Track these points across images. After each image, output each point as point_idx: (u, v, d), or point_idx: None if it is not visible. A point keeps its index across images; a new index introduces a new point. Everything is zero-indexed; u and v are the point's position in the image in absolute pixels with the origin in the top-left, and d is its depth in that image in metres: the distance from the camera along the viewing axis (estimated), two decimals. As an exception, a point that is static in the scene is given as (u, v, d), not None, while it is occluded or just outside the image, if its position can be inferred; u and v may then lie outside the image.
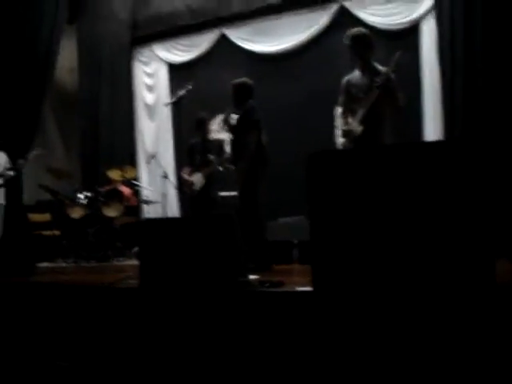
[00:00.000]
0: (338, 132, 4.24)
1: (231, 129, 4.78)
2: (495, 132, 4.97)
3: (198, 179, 5.36)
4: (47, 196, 6.57)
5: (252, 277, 3.05)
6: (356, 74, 4.17)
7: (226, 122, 5.19)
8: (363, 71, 4.09)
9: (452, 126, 5.57)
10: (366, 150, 2.18)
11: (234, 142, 4.69)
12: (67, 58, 7.97)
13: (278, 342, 2.21)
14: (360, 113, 3.98)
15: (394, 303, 1.75)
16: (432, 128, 5.85)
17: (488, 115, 5.12)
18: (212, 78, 7.24)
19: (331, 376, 1.78)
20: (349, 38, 4.10)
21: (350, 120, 4.10)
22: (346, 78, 4.24)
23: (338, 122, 4.25)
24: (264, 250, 4.15)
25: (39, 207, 6.89)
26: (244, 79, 4.81)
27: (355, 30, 4.14)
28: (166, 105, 6.08)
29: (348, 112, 4.15)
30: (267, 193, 6.47)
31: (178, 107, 5.71)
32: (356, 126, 4.01)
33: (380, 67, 4.02)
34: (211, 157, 5.35)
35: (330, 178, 1.93)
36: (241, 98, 4.70)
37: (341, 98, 4.27)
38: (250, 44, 7.17)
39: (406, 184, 1.79)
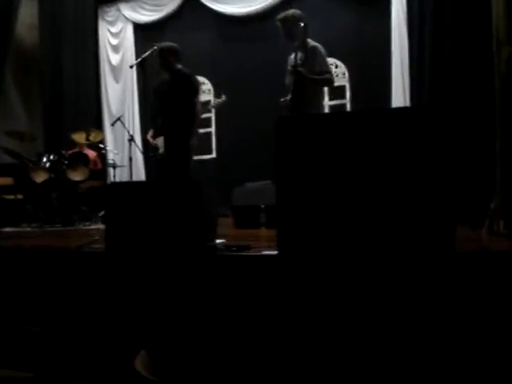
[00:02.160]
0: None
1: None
2: (461, 98, 5.05)
3: (162, 142, 5.31)
4: (8, 159, 6.40)
5: (219, 241, 3.07)
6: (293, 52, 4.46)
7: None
8: (294, 47, 4.38)
9: (419, 94, 5.64)
10: (333, 116, 2.20)
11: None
12: (27, 13, 7.64)
13: (244, 306, 2.25)
14: (290, 86, 4.40)
15: (356, 267, 1.80)
16: (400, 95, 5.91)
17: (455, 83, 5.19)
18: (179, 40, 7.06)
19: (294, 340, 1.83)
20: (278, 21, 4.45)
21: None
22: (289, 56, 4.57)
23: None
24: None
25: (1, 171, 6.72)
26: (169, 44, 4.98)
27: (283, 14, 4.49)
28: (131, 66, 5.94)
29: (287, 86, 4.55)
30: (234, 158, 6.49)
31: (143, 68, 5.61)
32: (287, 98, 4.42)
33: (312, 43, 4.35)
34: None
35: (297, 143, 1.94)
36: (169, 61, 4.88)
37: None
38: (219, 5, 7.02)
39: (370, 149, 1.81)
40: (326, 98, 6.14)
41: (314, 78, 4.24)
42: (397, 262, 1.77)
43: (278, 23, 4.43)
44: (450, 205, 1.75)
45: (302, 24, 4.27)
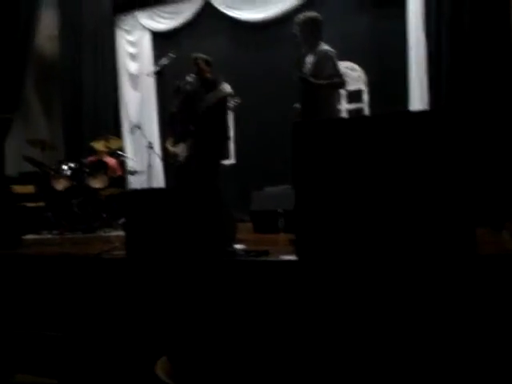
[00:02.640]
0: None
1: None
2: (480, 100, 4.99)
3: (181, 150, 5.33)
4: (30, 168, 6.50)
5: (238, 246, 3.08)
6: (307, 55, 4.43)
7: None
8: (310, 52, 4.35)
9: (437, 96, 5.58)
10: (351, 121, 2.19)
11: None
12: (47, 25, 7.78)
13: (263, 311, 2.25)
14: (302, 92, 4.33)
15: (376, 272, 1.79)
16: (418, 97, 5.85)
17: (473, 85, 5.14)
18: (196, 46, 7.11)
19: (314, 343, 1.83)
20: (296, 24, 4.38)
21: None
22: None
23: None
24: None
25: (22, 179, 6.82)
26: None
27: (299, 16, 4.44)
28: (149, 75, 5.98)
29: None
30: (253, 162, 6.50)
31: (161, 76, 5.64)
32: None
33: (323, 47, 4.29)
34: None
35: (314, 148, 1.94)
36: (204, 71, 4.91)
37: None
38: (235, 11, 7.05)
39: (389, 153, 1.81)
40: (344, 102, 6.11)
41: (323, 84, 4.19)
42: (419, 265, 1.75)
43: (297, 25, 4.37)
44: (471, 207, 1.74)
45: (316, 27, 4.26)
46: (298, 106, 4.42)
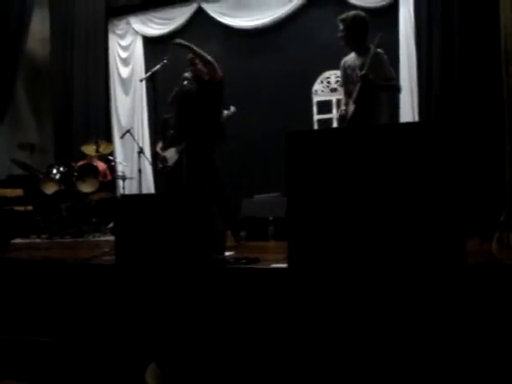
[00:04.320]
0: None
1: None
2: (471, 110, 5.05)
3: (171, 154, 5.31)
4: (19, 171, 6.46)
5: (228, 253, 3.08)
6: (352, 55, 4.19)
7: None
8: (358, 52, 4.12)
9: (427, 107, 5.64)
10: (342, 131, 2.21)
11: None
12: (38, 28, 7.76)
13: (253, 318, 2.25)
14: (354, 94, 4.03)
15: (367, 281, 1.80)
16: (408, 108, 5.89)
17: (464, 95, 5.19)
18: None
19: (305, 351, 1.83)
20: (343, 22, 4.11)
21: (346, 100, 4.18)
22: (343, 59, 4.27)
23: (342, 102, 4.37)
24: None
25: (11, 182, 6.77)
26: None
27: (348, 14, 4.14)
28: (141, 80, 5.97)
29: (346, 93, 4.24)
30: (243, 170, 6.50)
31: (153, 82, 5.63)
32: (350, 106, 4.07)
33: (376, 49, 4.04)
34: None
35: (306, 157, 1.95)
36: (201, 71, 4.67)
37: (340, 80, 4.43)
38: (227, 18, 7.08)
39: (379, 163, 1.82)
40: (334, 111, 6.14)
41: (384, 85, 4.01)
42: (409, 275, 1.77)
43: (342, 24, 4.12)
44: (461, 218, 1.75)
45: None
46: (343, 109, 4.21)
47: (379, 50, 4.04)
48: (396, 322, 1.75)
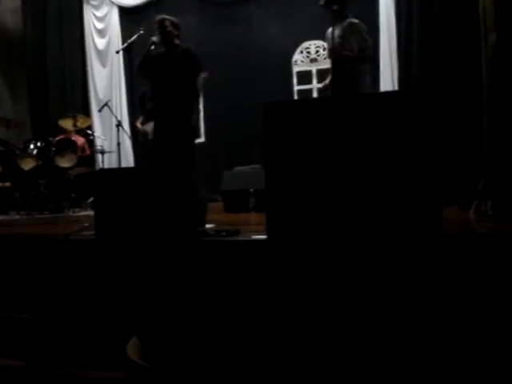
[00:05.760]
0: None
1: None
2: (450, 81, 5.06)
3: (151, 128, 5.24)
4: (-5, 147, 6.35)
5: (208, 226, 3.08)
6: (330, 28, 4.25)
7: None
8: (337, 21, 4.17)
9: (407, 80, 5.65)
10: (320, 101, 2.19)
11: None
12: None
13: (233, 290, 2.26)
14: (330, 65, 4.20)
15: (344, 250, 1.81)
16: (388, 81, 5.89)
17: (443, 69, 5.20)
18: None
19: (284, 323, 1.85)
20: None
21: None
22: (328, 29, 4.33)
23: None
24: None
25: (-13, 158, 6.65)
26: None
27: None
28: (117, 51, 5.85)
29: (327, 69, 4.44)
30: (222, 141, 6.46)
31: (129, 53, 5.52)
32: (327, 79, 4.26)
33: (349, 19, 4.06)
34: None
35: (285, 128, 1.94)
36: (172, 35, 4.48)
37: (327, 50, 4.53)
38: (205, -12, 6.95)
39: (358, 133, 1.82)
40: (314, 82, 6.10)
41: (353, 57, 4.05)
42: (386, 244, 1.78)
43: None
44: (438, 187, 1.77)
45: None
46: (326, 83, 4.30)
47: (355, 19, 4.05)
48: (373, 291, 1.78)
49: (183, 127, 4.29)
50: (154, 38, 4.29)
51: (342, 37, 3.98)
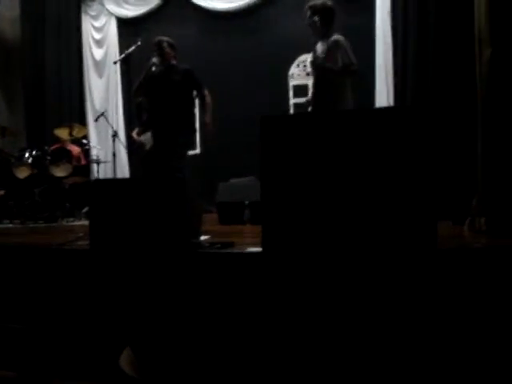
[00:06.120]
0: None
1: None
2: (445, 94, 5.10)
3: (147, 139, 5.26)
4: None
5: (203, 237, 3.08)
6: (319, 43, 4.27)
7: None
8: (322, 39, 4.20)
9: (402, 94, 5.69)
10: (317, 116, 2.21)
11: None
12: (8, 6, 7.53)
13: (228, 303, 2.26)
14: (313, 80, 4.25)
15: (340, 263, 1.82)
16: (384, 94, 5.93)
17: (438, 84, 5.25)
18: (162, 34, 7.02)
19: (279, 337, 1.85)
20: (310, 9, 4.21)
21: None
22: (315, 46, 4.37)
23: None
24: None
25: (-18, 166, 6.63)
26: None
27: (316, 2, 4.22)
28: (115, 62, 5.87)
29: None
30: (218, 153, 6.47)
31: (127, 64, 5.54)
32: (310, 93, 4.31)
33: (334, 36, 4.12)
34: None
35: (281, 141, 1.95)
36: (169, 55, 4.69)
37: (311, 66, 4.62)
38: (202, 0, 6.99)
39: (354, 148, 1.83)
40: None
41: (338, 71, 4.06)
42: (380, 258, 1.79)
43: (309, 11, 4.20)
44: (433, 202, 1.78)
45: (317, 18, 4.11)
46: (308, 99, 4.34)
47: (339, 36, 4.11)
48: (369, 305, 1.78)
49: (181, 140, 4.52)
50: (154, 60, 4.46)
51: (326, 52, 4.05)
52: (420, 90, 5.46)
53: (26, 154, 6.03)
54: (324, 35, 4.17)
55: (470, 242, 2.73)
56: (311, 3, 4.21)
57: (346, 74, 4.12)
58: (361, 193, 1.81)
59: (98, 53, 7.72)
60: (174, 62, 4.62)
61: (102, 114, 6.54)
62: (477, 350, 1.88)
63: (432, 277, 1.75)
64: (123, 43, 7.24)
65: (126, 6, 7.47)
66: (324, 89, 4.08)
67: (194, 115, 4.68)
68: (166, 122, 4.50)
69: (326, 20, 4.16)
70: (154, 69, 4.51)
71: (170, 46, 4.64)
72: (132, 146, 5.93)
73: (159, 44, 4.59)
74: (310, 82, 5.88)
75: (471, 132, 3.29)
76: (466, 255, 2.05)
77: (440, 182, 1.97)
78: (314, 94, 4.15)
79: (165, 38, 4.66)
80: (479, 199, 3.00)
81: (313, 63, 4.09)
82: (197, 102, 5.03)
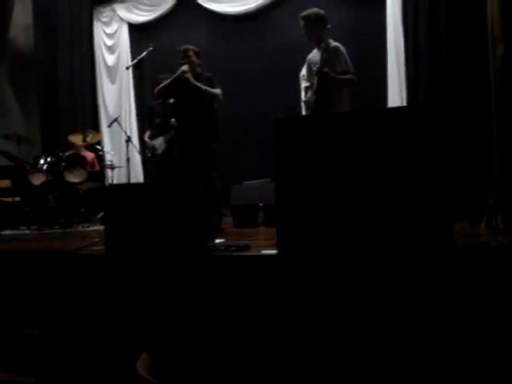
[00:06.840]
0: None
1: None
2: (459, 95, 5.06)
3: (159, 143, 5.28)
4: (6, 162, 6.39)
5: (218, 241, 3.08)
6: (314, 50, 4.39)
7: None
8: (318, 46, 4.28)
9: (415, 93, 5.65)
10: (330, 117, 2.20)
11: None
12: (21, 14, 7.61)
13: (243, 305, 2.25)
14: (314, 86, 4.24)
15: (356, 264, 1.80)
16: (396, 93, 5.90)
17: (451, 81, 5.21)
18: (174, 39, 7.08)
19: (295, 338, 1.84)
20: (303, 20, 4.31)
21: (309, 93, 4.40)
22: (308, 56, 4.50)
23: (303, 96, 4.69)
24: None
25: (-2, 173, 6.70)
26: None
27: (309, 11, 4.34)
28: (127, 68, 5.90)
29: (310, 86, 4.42)
30: (232, 156, 6.48)
31: (139, 69, 5.57)
32: (311, 97, 4.28)
33: (333, 43, 4.23)
34: (172, 120, 5.19)
35: (295, 143, 1.94)
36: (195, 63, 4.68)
37: (305, 73, 4.61)
38: (213, 4, 7.03)
39: (368, 148, 1.82)
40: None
41: (339, 78, 4.14)
42: (397, 258, 1.77)
43: (300, 21, 4.32)
44: (449, 201, 1.76)
45: (328, 26, 4.23)
46: (310, 98, 4.35)
47: (337, 43, 4.23)
48: (386, 305, 1.76)
49: (214, 148, 4.64)
50: (185, 68, 4.47)
51: (326, 58, 4.11)
52: (433, 90, 5.42)
53: (41, 161, 6.08)
54: (319, 42, 4.25)
55: (487, 241, 2.70)
56: (304, 13, 4.33)
57: (344, 82, 4.16)
58: (377, 193, 1.80)
59: (110, 59, 7.78)
60: (199, 70, 4.64)
61: (116, 120, 6.57)
62: (494, 348, 1.85)
63: (449, 275, 1.73)
64: (135, 49, 7.30)
65: (137, 11, 7.53)
66: (325, 95, 4.15)
67: (219, 122, 4.72)
68: (196, 129, 4.53)
69: (318, 28, 4.25)
70: (184, 76, 4.51)
71: (196, 54, 4.65)
72: (145, 150, 5.95)
73: (186, 52, 4.59)
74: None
75: (487, 129, 3.26)
76: (483, 254, 2.02)
77: (456, 180, 1.95)
78: (316, 99, 4.19)
79: (191, 47, 4.67)
80: (495, 197, 2.97)
81: (317, 71, 4.12)
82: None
